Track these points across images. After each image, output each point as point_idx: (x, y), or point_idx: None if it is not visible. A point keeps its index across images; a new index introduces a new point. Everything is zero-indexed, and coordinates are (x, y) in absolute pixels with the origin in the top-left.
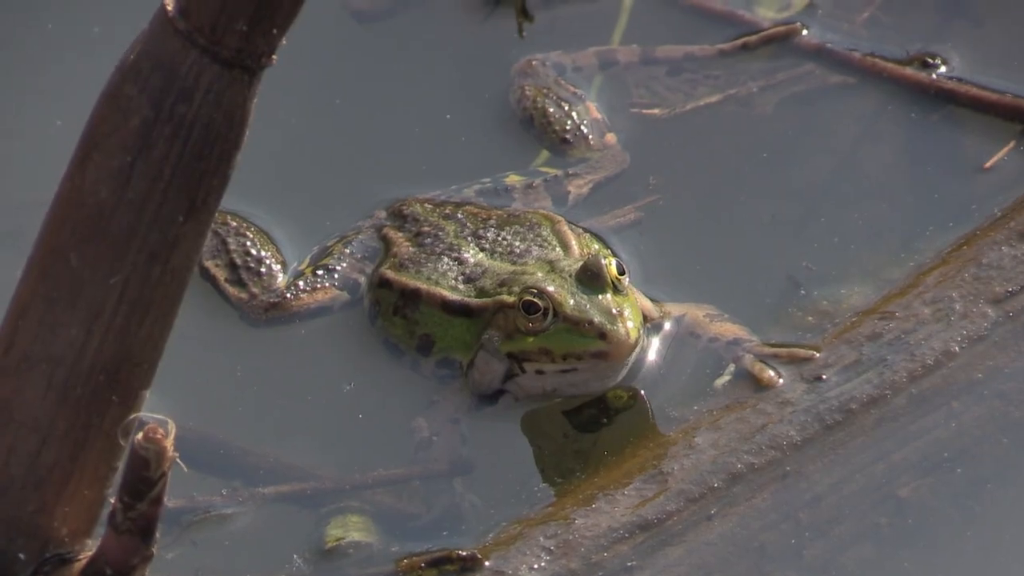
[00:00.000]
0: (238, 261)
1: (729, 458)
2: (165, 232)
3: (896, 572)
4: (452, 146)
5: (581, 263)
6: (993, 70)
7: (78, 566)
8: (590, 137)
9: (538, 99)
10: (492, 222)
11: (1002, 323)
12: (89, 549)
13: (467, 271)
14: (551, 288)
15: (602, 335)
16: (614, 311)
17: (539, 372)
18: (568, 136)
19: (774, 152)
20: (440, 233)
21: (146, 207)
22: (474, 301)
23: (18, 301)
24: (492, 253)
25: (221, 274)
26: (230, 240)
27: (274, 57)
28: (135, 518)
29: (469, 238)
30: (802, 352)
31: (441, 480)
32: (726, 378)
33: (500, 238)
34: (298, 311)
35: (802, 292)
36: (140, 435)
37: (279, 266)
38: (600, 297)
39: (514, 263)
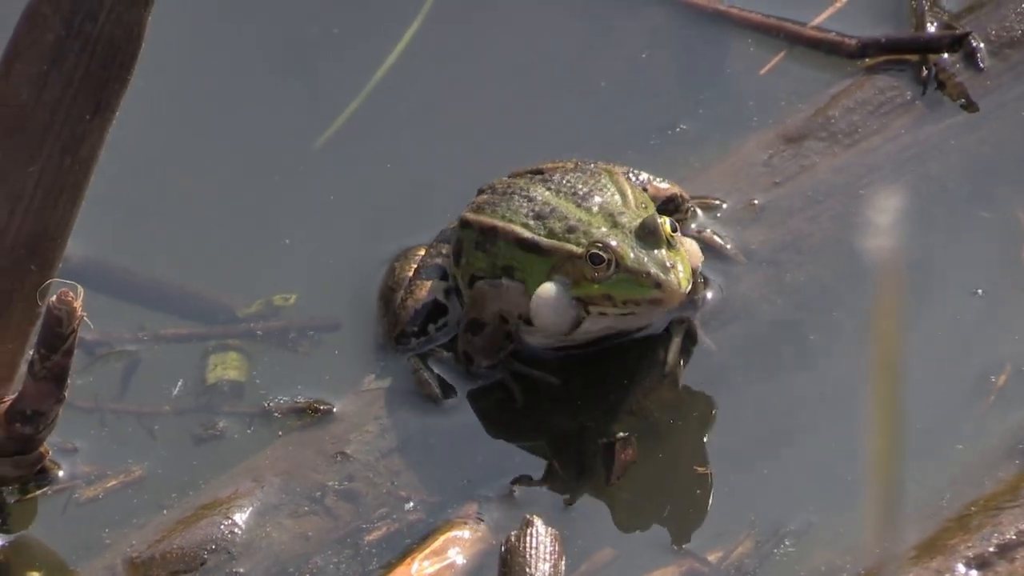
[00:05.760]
0: None
1: None
2: (75, 128)
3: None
4: None
5: (639, 220)
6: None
7: (3, 408)
8: None
9: None
10: (558, 171)
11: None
12: (12, 394)
13: (536, 208)
14: (614, 243)
15: (658, 285)
16: (668, 264)
17: (602, 314)
18: None
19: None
20: (511, 184)
21: (59, 107)
22: (544, 241)
23: None
24: (558, 193)
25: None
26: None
27: None
28: (50, 367)
29: (537, 182)
30: (711, 200)
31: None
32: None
33: (565, 181)
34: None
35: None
36: (54, 298)
37: None
38: (656, 251)
39: (578, 205)
